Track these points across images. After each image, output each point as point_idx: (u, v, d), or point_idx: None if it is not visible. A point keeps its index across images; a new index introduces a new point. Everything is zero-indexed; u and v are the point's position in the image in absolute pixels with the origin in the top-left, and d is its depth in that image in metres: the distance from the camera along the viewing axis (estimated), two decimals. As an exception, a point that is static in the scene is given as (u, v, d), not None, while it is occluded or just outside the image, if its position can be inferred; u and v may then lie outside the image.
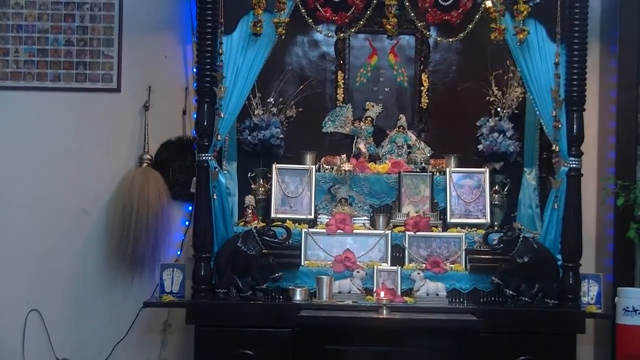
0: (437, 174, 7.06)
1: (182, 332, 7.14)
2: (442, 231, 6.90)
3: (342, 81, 7.23)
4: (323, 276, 6.61)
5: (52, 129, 7.25)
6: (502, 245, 6.60)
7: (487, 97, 7.12)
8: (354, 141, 7.19)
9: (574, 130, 6.61)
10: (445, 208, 7.00)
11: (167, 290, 6.71)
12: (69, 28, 7.28)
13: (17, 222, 7.23)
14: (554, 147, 6.68)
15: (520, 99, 7.09)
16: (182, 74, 7.28)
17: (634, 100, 7.01)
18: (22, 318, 7.18)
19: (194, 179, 6.71)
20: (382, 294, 6.41)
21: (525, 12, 6.57)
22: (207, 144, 6.59)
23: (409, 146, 7.16)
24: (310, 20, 6.69)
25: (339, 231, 6.83)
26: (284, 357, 6.41)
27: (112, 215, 7.13)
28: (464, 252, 6.79)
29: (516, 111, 7.12)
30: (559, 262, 6.64)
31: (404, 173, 7.00)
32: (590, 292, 6.67)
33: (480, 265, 6.70)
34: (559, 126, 6.59)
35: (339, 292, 6.63)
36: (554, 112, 6.60)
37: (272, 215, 6.94)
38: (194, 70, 6.90)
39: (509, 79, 7.08)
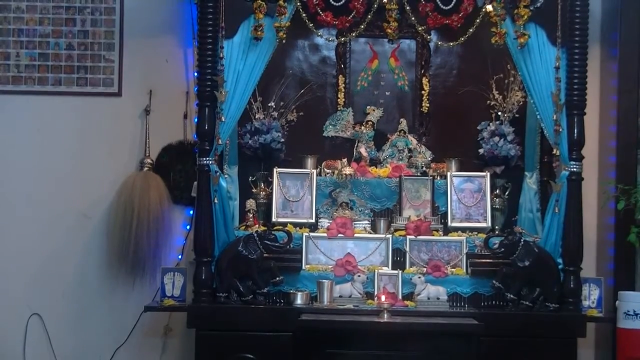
0: (438, 178, 7.08)
1: (183, 336, 7.15)
2: (443, 235, 6.91)
3: (343, 85, 7.24)
4: (324, 280, 6.62)
5: (53, 133, 7.26)
6: (503, 249, 6.61)
7: (488, 101, 7.14)
8: (355, 145, 7.21)
9: (575, 134, 6.62)
10: (446, 212, 7.01)
11: (168, 295, 6.72)
12: (70, 32, 7.30)
13: (18, 226, 7.24)
14: (554, 151, 6.70)
15: (521, 102, 7.12)
16: (183, 78, 7.29)
17: (635, 104, 7.03)
18: (23, 322, 7.19)
19: (195, 183, 6.72)
20: (383, 298, 6.42)
21: (525, 16, 6.58)
22: (208, 148, 6.59)
23: (409, 150, 7.17)
24: (311, 25, 6.70)
25: (339, 235, 6.84)
26: (284, 360, 6.41)
27: (113, 219, 7.14)
28: (464, 256, 6.80)
29: (517, 115, 7.14)
30: (560, 266, 6.64)
31: (405, 177, 7.01)
32: (591, 296, 6.68)
33: (481, 269, 6.72)
34: (560, 130, 6.60)
35: (340, 296, 6.64)
36: (555, 116, 6.61)
37: (273, 219, 6.95)
38: (195, 74, 6.88)
39: (509, 82, 7.11)
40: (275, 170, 7.02)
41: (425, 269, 6.74)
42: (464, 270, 6.78)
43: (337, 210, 6.95)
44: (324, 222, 6.94)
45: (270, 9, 6.63)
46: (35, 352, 7.21)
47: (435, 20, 6.69)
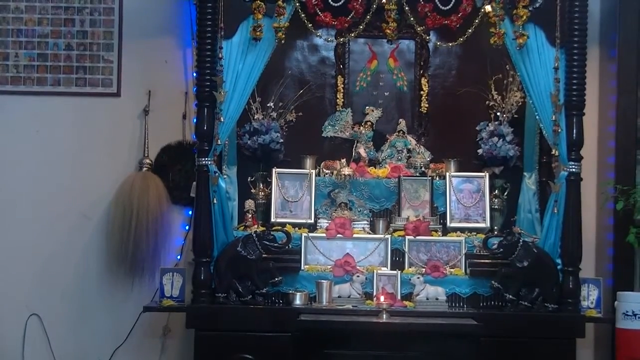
0: (437, 178, 7.09)
1: (182, 337, 7.16)
2: (442, 235, 6.92)
3: (342, 85, 7.25)
4: (323, 280, 6.62)
5: (52, 134, 7.26)
6: (501, 250, 6.62)
7: (487, 102, 7.15)
8: (354, 145, 7.21)
9: (574, 135, 6.63)
10: (445, 212, 7.02)
11: (167, 295, 6.72)
12: (69, 32, 7.31)
13: (17, 227, 7.23)
14: (553, 152, 6.70)
15: (520, 103, 7.12)
16: (182, 79, 7.29)
17: (634, 104, 7.05)
18: (22, 322, 7.18)
19: (194, 183, 6.73)
20: (381, 298, 6.43)
21: (524, 17, 6.60)
22: (207, 148, 6.61)
23: (408, 150, 7.17)
24: (310, 25, 6.71)
25: (338, 235, 6.85)
26: (283, 361, 6.42)
27: (112, 219, 7.14)
28: (463, 257, 6.82)
29: (516, 115, 7.15)
30: (559, 267, 6.65)
31: (404, 177, 7.02)
32: (590, 296, 6.69)
33: (480, 269, 6.73)
34: (559, 130, 6.61)
35: (339, 297, 6.65)
36: (554, 117, 6.62)
37: (272, 219, 6.95)
38: (194, 74, 6.91)
39: (508, 83, 7.12)
40: (274, 170, 7.03)
41: (424, 269, 6.75)
42: (463, 270, 6.78)
43: (336, 210, 6.95)
44: (323, 223, 6.95)
45: (269, 9, 6.64)
46: (34, 352, 7.21)
47: (434, 20, 6.68)
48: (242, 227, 6.91)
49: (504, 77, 7.10)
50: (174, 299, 6.71)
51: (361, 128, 7.18)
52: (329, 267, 6.76)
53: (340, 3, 6.67)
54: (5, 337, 7.18)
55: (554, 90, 6.61)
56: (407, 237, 6.84)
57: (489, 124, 7.13)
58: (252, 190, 7.06)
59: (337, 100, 7.25)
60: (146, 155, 7.22)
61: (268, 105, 7.12)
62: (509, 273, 6.58)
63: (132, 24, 7.29)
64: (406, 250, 6.82)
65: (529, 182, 7.10)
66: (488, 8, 6.60)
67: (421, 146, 7.20)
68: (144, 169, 7.20)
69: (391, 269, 6.77)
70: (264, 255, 6.61)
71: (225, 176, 6.96)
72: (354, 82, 7.27)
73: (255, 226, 6.88)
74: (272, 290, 6.67)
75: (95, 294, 7.24)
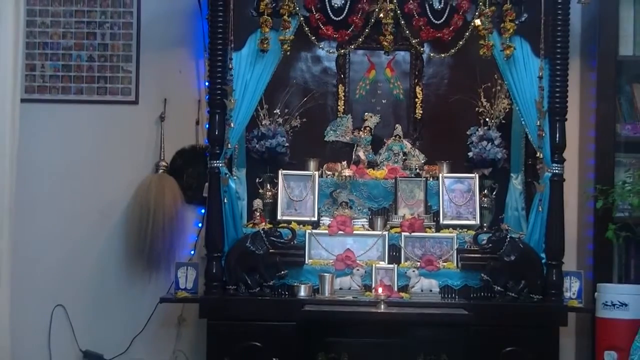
0: (431, 179, 7.09)
1: (195, 326, 7.24)
2: (435, 232, 6.92)
3: (343, 94, 7.28)
4: (325, 274, 6.67)
5: (75, 139, 7.34)
6: (490, 245, 6.67)
7: (477, 108, 7.16)
8: (354, 149, 7.23)
9: (557, 139, 6.67)
10: (438, 210, 7.02)
11: (182, 287, 6.76)
12: (91, 45, 7.40)
13: (44, 225, 7.28)
14: (538, 154, 6.76)
15: (507, 109, 7.12)
16: (195, 87, 7.37)
17: (612, 111, 7.04)
18: (48, 313, 7.27)
19: (206, 184, 6.76)
20: (380, 290, 6.49)
21: (511, 30, 6.65)
22: (218, 151, 6.67)
23: (404, 154, 7.21)
24: (313, 38, 6.72)
25: (340, 232, 6.88)
26: (289, 348, 6.46)
27: (130, 218, 7.21)
28: (455, 251, 6.85)
29: (503, 121, 7.15)
30: (543, 261, 6.68)
31: (400, 178, 7.05)
32: (572, 288, 6.72)
33: (471, 263, 6.77)
34: (543, 135, 6.67)
35: (340, 289, 6.68)
36: (538, 122, 6.66)
37: (279, 217, 6.96)
38: (206, 84, 6.94)
39: (496, 91, 7.12)
40: (280, 172, 7.05)
41: (419, 263, 6.78)
42: (455, 264, 6.80)
43: (337, 209, 6.99)
44: (325, 220, 6.96)
45: (276, 23, 6.64)
46: (60, 340, 7.28)
47: (428, 33, 6.72)
48: (250, 225, 6.94)
49: (493, 86, 7.12)
50: (188, 291, 6.75)
51: (360, 133, 7.23)
52: (331, 261, 6.77)
53: (341, 17, 6.71)
54: (33, 325, 7.23)
55: (539, 97, 6.65)
56: (403, 234, 6.86)
57: (479, 129, 7.15)
58: (260, 191, 7.08)
59: (338, 107, 7.28)
60: (162, 158, 7.31)
61: (274, 112, 7.15)
62: (497, 266, 6.62)
63: (149, 37, 7.34)
64: (402, 245, 6.87)
65: (516, 182, 7.15)
66: (478, 22, 6.64)
67: (416, 149, 7.24)
68: (160, 171, 7.29)
69: (388, 263, 6.79)
70: (271, 251, 6.63)
71: (235, 177, 6.98)
72: (353, 90, 7.29)
73: (263, 224, 6.90)
74: (278, 283, 6.68)
75: (115, 287, 7.30)
